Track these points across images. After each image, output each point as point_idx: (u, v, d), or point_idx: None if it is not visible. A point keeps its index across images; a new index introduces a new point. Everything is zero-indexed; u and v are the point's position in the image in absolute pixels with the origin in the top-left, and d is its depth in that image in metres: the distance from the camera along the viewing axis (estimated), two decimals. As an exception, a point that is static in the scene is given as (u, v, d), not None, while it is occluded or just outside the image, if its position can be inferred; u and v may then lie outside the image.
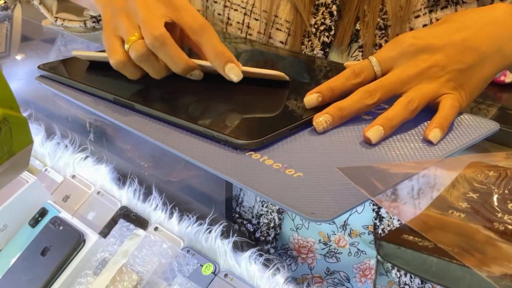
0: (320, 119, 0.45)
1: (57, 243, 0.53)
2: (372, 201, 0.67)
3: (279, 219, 0.76)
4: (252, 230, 0.80)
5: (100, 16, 0.86)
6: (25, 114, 0.47)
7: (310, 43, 0.68)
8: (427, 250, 0.29)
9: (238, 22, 0.72)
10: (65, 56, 0.61)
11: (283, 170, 0.40)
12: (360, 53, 0.67)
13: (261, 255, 0.52)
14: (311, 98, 0.47)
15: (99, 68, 0.59)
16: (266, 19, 0.69)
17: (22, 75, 0.86)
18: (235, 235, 0.78)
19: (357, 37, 0.66)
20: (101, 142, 0.74)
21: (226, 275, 0.50)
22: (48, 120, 0.74)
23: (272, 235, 0.78)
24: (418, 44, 0.48)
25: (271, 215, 0.76)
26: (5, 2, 1.08)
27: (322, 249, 0.76)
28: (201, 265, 0.52)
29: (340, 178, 0.38)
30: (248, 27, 0.72)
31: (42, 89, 0.56)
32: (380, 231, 0.70)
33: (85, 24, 0.92)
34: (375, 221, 0.70)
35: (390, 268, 0.72)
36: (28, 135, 0.46)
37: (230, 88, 0.52)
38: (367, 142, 0.44)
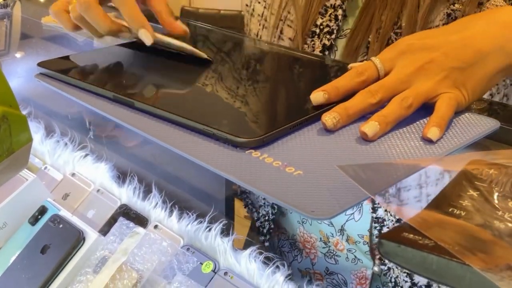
0: (327, 118, 0.46)
1: (57, 241, 0.53)
2: (372, 209, 0.67)
3: (280, 212, 0.76)
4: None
5: None
6: (24, 112, 0.47)
7: (312, 43, 0.69)
8: (428, 248, 0.29)
9: (259, 15, 0.75)
10: (64, 53, 0.61)
11: (283, 168, 0.40)
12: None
13: (261, 253, 0.52)
14: (317, 95, 0.47)
15: (99, 65, 0.59)
16: (280, 15, 0.71)
17: (22, 73, 0.86)
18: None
19: (367, 48, 0.66)
20: (100, 140, 0.74)
21: (226, 273, 0.50)
22: (47, 118, 0.74)
23: (267, 228, 0.78)
24: (416, 44, 0.49)
25: (269, 207, 0.77)
26: (4, 0, 1.07)
27: (323, 247, 0.76)
28: (201, 263, 0.52)
29: (340, 176, 0.38)
30: (265, 20, 0.74)
31: (41, 87, 0.56)
32: (375, 243, 0.69)
33: None
34: (373, 230, 0.69)
35: (387, 282, 0.71)
36: (28, 133, 0.46)
37: (230, 85, 0.52)
38: (364, 138, 0.44)
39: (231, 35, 0.73)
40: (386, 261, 0.69)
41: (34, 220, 0.56)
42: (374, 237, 0.69)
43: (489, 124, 0.47)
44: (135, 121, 0.48)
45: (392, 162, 0.41)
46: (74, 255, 0.53)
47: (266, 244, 0.81)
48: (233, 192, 0.85)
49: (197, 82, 0.55)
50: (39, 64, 0.57)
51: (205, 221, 0.56)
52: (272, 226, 0.79)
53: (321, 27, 0.68)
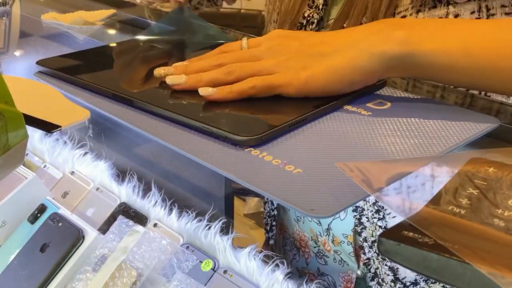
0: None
1: (56, 240, 0.53)
2: (355, 208, 0.66)
3: (282, 209, 0.76)
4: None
5: None
6: (23, 110, 0.47)
7: None
8: (427, 246, 0.29)
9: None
10: (64, 51, 0.61)
11: (283, 166, 0.40)
12: None
13: (260, 251, 0.52)
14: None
15: (98, 63, 0.59)
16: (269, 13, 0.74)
17: (21, 71, 0.86)
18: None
19: None
20: (100, 138, 0.73)
21: (225, 272, 0.50)
22: (47, 116, 0.74)
23: (270, 225, 0.79)
24: (283, 32, 0.51)
25: (271, 203, 0.77)
26: (3, -2, 1.07)
27: (314, 247, 0.75)
28: (201, 262, 0.51)
29: (340, 174, 0.38)
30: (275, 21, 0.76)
31: (40, 85, 0.56)
32: (360, 243, 0.67)
33: None
34: (356, 229, 0.67)
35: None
36: (24, 129, 0.46)
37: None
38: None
39: (229, 32, 0.72)
40: (370, 265, 0.67)
41: (33, 218, 0.56)
42: (358, 236, 0.67)
43: (488, 122, 0.47)
44: (135, 119, 0.48)
45: (392, 160, 0.41)
46: (73, 253, 0.53)
47: (271, 242, 0.80)
48: (233, 190, 0.85)
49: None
50: (38, 62, 0.57)
51: (204, 219, 0.56)
52: (274, 223, 0.78)
53: (308, 18, 0.68)
